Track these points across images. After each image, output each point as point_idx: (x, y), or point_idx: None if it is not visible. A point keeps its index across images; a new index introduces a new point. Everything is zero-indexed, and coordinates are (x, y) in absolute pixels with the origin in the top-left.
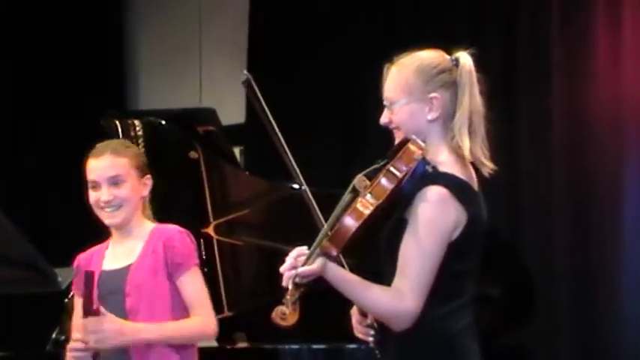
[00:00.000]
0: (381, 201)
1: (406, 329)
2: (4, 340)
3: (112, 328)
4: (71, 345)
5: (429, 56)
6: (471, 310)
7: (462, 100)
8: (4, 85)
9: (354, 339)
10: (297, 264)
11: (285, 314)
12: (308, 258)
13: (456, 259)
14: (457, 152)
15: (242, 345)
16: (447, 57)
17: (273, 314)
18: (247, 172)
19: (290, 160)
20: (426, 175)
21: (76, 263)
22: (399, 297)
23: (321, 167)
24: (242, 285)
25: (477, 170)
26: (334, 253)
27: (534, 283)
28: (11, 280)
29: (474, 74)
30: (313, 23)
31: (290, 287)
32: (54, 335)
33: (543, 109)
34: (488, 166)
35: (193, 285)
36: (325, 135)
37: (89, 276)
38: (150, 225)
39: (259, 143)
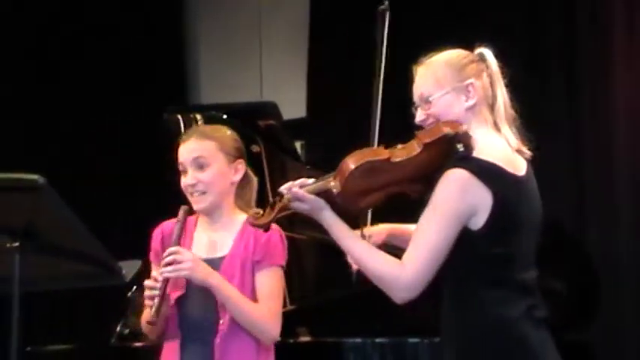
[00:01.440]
0: (393, 158)
1: (464, 316)
2: (69, 334)
3: (188, 258)
4: (146, 282)
5: (454, 51)
6: (529, 296)
7: (496, 92)
8: (63, 82)
9: (416, 333)
10: (296, 186)
11: (259, 214)
12: (310, 186)
13: (495, 243)
14: (498, 140)
15: (305, 339)
16: (470, 52)
17: (249, 212)
18: (308, 167)
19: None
20: (455, 158)
21: (158, 231)
22: (401, 266)
23: None
24: (304, 279)
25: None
26: (334, 189)
27: (599, 279)
28: (77, 274)
29: (499, 67)
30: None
31: (278, 197)
32: (118, 329)
33: (606, 104)
34: (526, 153)
35: (269, 283)
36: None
37: (187, 211)
38: (242, 215)
39: (320, 138)
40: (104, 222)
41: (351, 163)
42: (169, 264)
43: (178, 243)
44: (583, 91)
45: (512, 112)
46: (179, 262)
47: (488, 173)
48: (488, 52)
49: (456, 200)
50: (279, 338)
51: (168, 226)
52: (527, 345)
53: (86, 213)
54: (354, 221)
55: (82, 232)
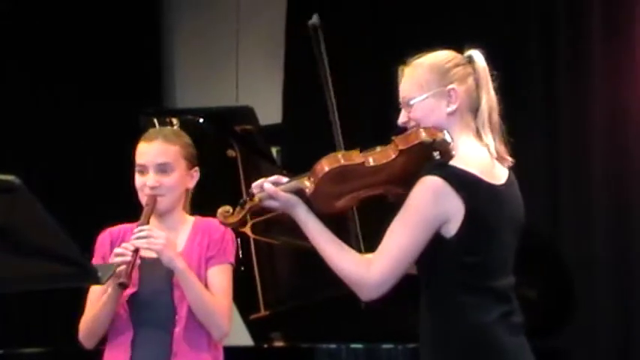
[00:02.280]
0: (368, 163)
1: (437, 321)
2: (43, 337)
3: (161, 235)
4: (116, 250)
5: (442, 53)
6: (503, 303)
7: (481, 97)
8: (40, 83)
9: (390, 339)
10: (269, 183)
11: (229, 212)
12: (283, 185)
13: (468, 252)
14: (478, 147)
15: (279, 344)
16: (459, 54)
17: (220, 209)
18: (284, 172)
19: (337, 129)
20: (431, 165)
21: (105, 235)
22: (367, 266)
23: None
24: (278, 284)
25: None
26: (307, 189)
27: (574, 285)
28: (53, 275)
29: (488, 71)
30: (351, 21)
31: (248, 196)
32: None
33: (583, 111)
34: (508, 161)
35: (222, 279)
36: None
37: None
38: (190, 218)
39: (296, 143)
40: (78, 224)
41: (324, 165)
42: (143, 237)
43: (147, 224)
44: (560, 96)
45: (497, 118)
46: (154, 238)
47: (462, 182)
48: (477, 55)
49: (427, 206)
50: (227, 335)
51: (115, 232)
52: (501, 351)
53: (59, 214)
54: (343, 222)
55: (57, 233)
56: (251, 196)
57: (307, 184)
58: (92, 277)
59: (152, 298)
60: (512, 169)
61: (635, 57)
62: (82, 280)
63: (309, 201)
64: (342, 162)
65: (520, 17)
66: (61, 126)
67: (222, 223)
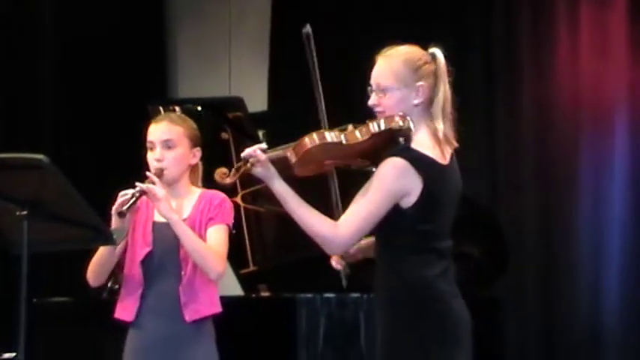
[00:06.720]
0: (345, 141)
1: (390, 277)
2: (69, 288)
3: (164, 191)
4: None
5: (413, 50)
6: (444, 260)
7: (439, 90)
8: (48, 75)
9: (358, 289)
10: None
11: (225, 174)
12: (271, 151)
13: (421, 220)
14: (433, 133)
15: (265, 294)
16: (426, 52)
17: (217, 171)
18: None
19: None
20: (397, 148)
21: None
22: (335, 226)
23: None
24: (264, 245)
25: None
26: (292, 159)
27: (507, 245)
28: (76, 238)
29: (446, 67)
30: (331, 20)
31: (242, 160)
32: (109, 284)
33: (515, 97)
34: (454, 145)
35: (217, 233)
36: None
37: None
38: (197, 189)
39: (279, 127)
40: (92, 196)
41: (310, 140)
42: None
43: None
44: (497, 86)
45: (450, 108)
46: (158, 187)
47: (421, 163)
48: (439, 53)
49: (392, 182)
50: (223, 276)
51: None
52: (440, 298)
53: (79, 188)
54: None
55: (80, 202)
56: (244, 161)
57: (291, 154)
58: (109, 239)
59: (163, 255)
60: (459, 149)
61: (556, 54)
62: (100, 242)
63: (289, 167)
64: (325, 140)
65: (466, 12)
66: (71, 120)
67: (218, 182)
